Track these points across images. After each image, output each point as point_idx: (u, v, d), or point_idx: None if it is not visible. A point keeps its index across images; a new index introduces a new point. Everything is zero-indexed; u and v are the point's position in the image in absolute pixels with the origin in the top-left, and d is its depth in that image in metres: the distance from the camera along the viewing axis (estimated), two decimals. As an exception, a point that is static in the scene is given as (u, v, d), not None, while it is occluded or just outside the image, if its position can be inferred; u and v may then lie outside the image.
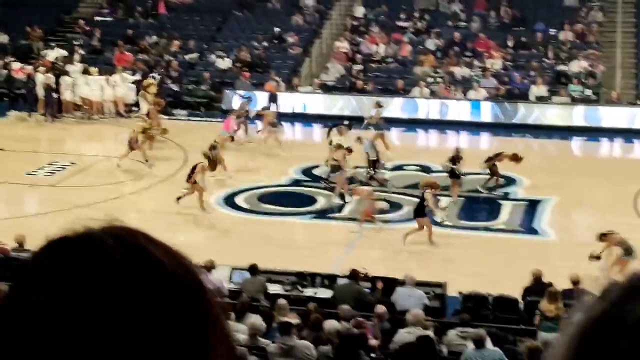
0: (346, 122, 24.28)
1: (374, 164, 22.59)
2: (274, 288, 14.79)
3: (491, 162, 21.85)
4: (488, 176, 21.94)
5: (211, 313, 1.22)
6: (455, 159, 21.09)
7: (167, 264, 1.20)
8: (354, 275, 14.26)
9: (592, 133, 28.33)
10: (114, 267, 1.17)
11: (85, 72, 30.61)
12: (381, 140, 24.62)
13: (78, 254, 1.18)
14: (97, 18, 37.62)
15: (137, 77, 31.46)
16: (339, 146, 21.62)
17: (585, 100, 30.42)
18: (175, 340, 1.16)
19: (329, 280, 15.08)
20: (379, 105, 26.19)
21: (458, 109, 30.37)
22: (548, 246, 18.72)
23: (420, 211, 18.35)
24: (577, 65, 32.09)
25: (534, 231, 19.52)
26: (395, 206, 21.15)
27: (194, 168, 20.39)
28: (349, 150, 21.70)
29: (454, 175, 21.17)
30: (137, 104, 29.20)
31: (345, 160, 21.21)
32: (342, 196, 21.10)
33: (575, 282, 13.88)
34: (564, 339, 1.10)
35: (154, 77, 30.29)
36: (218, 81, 33.09)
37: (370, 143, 22.76)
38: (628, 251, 16.41)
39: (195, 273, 1.23)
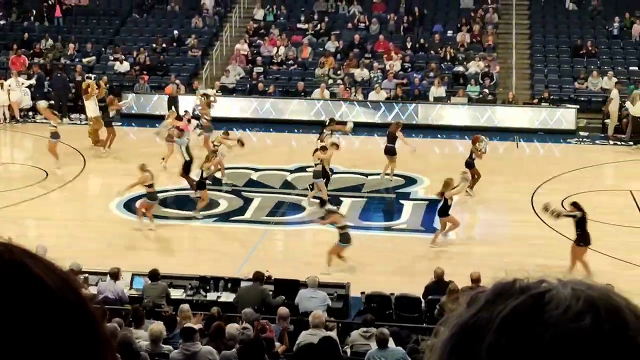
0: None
1: (187, 165, 21.89)
2: (176, 293, 14.63)
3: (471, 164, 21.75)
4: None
5: (96, 329, 1.17)
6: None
7: (47, 282, 1.14)
8: (258, 277, 14.21)
9: (490, 133, 28.82)
10: None
11: (-22, 76, 29.80)
12: (205, 144, 24.54)
13: None
14: (-10, 21, 36.71)
15: (32, 81, 30.83)
16: (323, 148, 21.26)
17: (483, 101, 31.00)
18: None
19: (233, 283, 14.98)
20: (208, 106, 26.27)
21: (358, 111, 30.59)
22: (449, 245, 18.96)
23: (444, 211, 18.20)
24: (474, 66, 32.69)
25: (434, 230, 19.75)
26: (297, 208, 21.16)
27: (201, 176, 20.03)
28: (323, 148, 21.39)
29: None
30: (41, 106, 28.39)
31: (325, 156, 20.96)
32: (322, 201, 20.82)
33: (476, 280, 14.07)
34: (437, 347, 1.17)
35: (90, 78, 29.61)
36: (117, 85, 32.63)
37: (187, 142, 22.23)
38: (344, 238, 16.90)
39: (77, 289, 1.18)
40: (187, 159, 21.85)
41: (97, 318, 1.18)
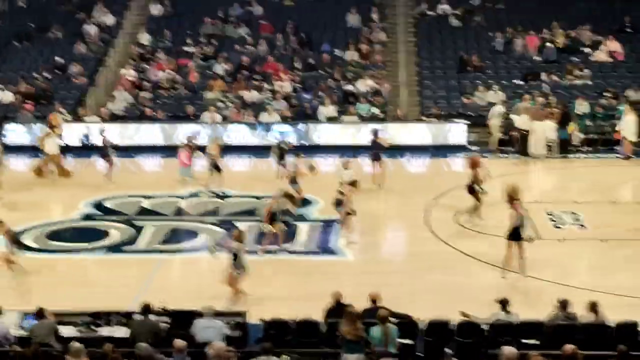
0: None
1: None
2: (67, 331, 14.05)
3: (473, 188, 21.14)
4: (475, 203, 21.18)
5: None
6: None
7: None
8: (146, 309, 13.75)
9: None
10: None
11: None
12: None
13: None
14: None
15: None
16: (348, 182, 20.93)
17: (373, 119, 31.12)
18: None
19: (126, 317, 14.48)
20: None
21: (250, 133, 30.38)
22: (346, 266, 18.83)
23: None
24: (364, 85, 32.84)
25: (331, 251, 19.61)
26: (189, 234, 20.74)
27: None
28: (353, 184, 21.07)
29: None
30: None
31: (349, 195, 20.27)
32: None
33: (374, 300, 13.94)
34: None
35: (60, 112, 28.77)
36: (-1, 115, 31.70)
37: None
38: (16, 244, 17.99)
39: None
40: None
41: None
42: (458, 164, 28.55)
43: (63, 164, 26.64)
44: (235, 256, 16.35)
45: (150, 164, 29.14)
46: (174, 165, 26.47)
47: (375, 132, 25.31)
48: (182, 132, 29.19)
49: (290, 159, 23.60)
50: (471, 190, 21.13)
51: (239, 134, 30.33)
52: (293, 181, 22.55)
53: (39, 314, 13.69)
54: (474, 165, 21.29)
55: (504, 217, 17.84)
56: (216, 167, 24.52)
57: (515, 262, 17.42)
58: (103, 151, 25.75)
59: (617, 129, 29.42)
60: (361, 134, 29.86)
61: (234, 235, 16.77)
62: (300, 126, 30.46)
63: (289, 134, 29.56)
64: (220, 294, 16.16)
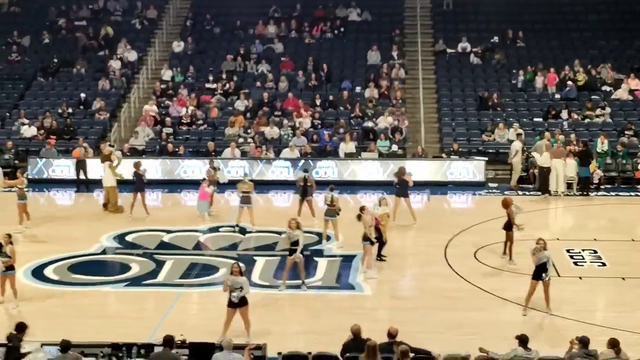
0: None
1: None
2: (88, 362, 14.15)
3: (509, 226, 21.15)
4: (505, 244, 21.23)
5: None
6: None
7: None
8: (168, 341, 13.82)
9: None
10: None
11: None
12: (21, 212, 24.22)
13: None
14: None
15: None
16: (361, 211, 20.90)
17: (393, 155, 31.24)
18: None
19: (146, 349, 14.56)
20: None
21: (273, 169, 30.54)
22: (364, 300, 18.86)
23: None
24: (384, 121, 33.00)
25: (350, 286, 19.65)
26: (211, 269, 20.84)
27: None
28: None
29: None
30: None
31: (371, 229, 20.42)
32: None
33: (393, 335, 13.96)
34: None
35: (112, 146, 28.85)
36: (22, 149, 32.06)
37: None
38: None
39: None
40: None
41: None
42: (477, 200, 28.60)
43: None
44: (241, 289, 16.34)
45: (171, 199, 29.29)
46: (194, 199, 26.70)
47: (402, 170, 25.19)
48: (201, 167, 29.43)
49: (328, 193, 23.36)
50: (508, 227, 21.15)
51: (258, 169, 30.49)
52: (330, 214, 22.68)
53: (64, 347, 13.73)
54: (506, 204, 21.25)
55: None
56: (248, 203, 24.30)
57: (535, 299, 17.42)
58: (140, 185, 25.87)
59: (639, 167, 29.39)
60: (381, 170, 30.08)
61: (236, 271, 16.57)
62: (321, 162, 30.57)
63: (312, 170, 29.64)
64: (239, 328, 16.24)
